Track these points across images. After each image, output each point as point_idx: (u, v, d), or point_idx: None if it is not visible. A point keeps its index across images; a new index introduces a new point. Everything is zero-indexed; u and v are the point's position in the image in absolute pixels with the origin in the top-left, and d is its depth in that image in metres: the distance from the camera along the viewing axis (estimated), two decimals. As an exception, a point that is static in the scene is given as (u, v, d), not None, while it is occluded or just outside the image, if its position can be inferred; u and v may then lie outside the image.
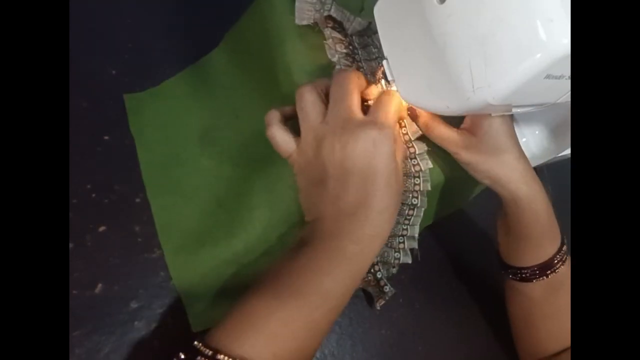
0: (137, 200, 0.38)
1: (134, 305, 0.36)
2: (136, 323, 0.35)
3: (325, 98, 0.33)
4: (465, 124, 0.37)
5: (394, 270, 0.39)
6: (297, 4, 0.35)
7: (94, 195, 0.37)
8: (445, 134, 0.36)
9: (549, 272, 0.38)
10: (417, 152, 0.36)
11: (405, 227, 0.38)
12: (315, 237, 0.31)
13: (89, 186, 0.37)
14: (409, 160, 0.36)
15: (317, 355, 0.41)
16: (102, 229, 0.37)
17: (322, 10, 0.37)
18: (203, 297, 0.37)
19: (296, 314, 0.28)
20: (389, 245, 0.39)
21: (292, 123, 0.34)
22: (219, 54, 0.42)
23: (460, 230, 0.51)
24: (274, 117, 0.34)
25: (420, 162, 0.36)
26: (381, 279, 0.39)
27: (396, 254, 0.38)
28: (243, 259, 0.38)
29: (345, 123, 0.31)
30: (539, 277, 0.39)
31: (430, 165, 0.37)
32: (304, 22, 0.36)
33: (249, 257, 0.38)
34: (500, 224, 0.41)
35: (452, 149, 0.36)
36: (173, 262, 0.37)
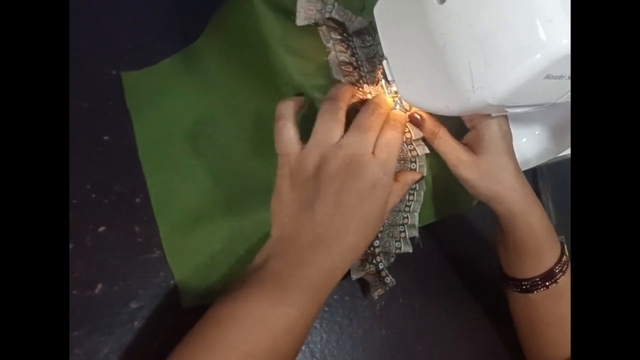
0: (137, 200, 0.38)
1: (134, 305, 0.36)
2: (136, 323, 0.35)
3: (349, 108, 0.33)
4: (466, 138, 0.37)
5: (392, 260, 0.39)
6: (298, 3, 0.35)
7: (94, 195, 0.37)
8: (450, 146, 0.36)
9: (549, 282, 0.38)
10: (413, 138, 0.36)
11: (405, 215, 0.38)
12: (284, 258, 0.31)
13: (89, 186, 0.37)
14: (405, 145, 0.37)
15: (317, 355, 0.41)
16: (102, 229, 0.37)
17: (323, 11, 0.37)
18: (196, 274, 0.37)
19: (260, 346, 0.28)
20: (390, 235, 0.38)
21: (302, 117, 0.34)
22: (207, 37, 0.42)
23: (460, 230, 0.51)
24: (289, 110, 0.32)
25: (416, 148, 0.37)
26: (383, 269, 0.38)
27: (397, 243, 0.38)
28: (239, 239, 0.38)
29: (357, 155, 0.31)
30: (540, 288, 0.39)
31: (427, 150, 0.37)
32: (305, 22, 0.36)
33: (245, 237, 0.38)
34: (499, 238, 0.41)
35: (452, 161, 0.37)
36: (167, 238, 0.37)
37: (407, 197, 0.38)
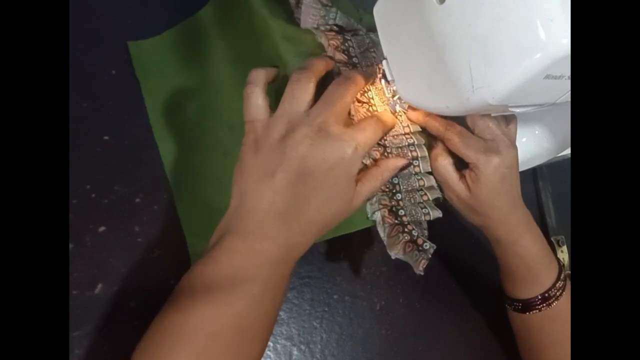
0: (137, 200, 0.38)
1: (133, 305, 0.36)
2: (136, 323, 0.35)
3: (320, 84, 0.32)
4: (466, 172, 0.36)
5: (426, 231, 0.37)
6: (303, 7, 0.36)
7: (94, 195, 0.37)
8: (450, 177, 0.36)
9: (542, 305, 0.38)
10: (411, 131, 0.37)
11: (419, 177, 0.37)
12: (239, 233, 0.30)
13: (89, 186, 0.37)
14: (404, 136, 0.36)
15: (317, 355, 0.41)
16: (102, 229, 0.37)
17: (326, 17, 0.37)
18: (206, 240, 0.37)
19: (224, 325, 0.27)
20: (413, 201, 0.37)
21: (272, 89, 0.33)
22: (209, 13, 0.42)
23: (461, 230, 0.51)
24: (259, 77, 0.32)
25: (413, 136, 0.36)
26: (418, 237, 0.36)
27: (424, 209, 0.37)
28: None
29: (326, 125, 0.30)
30: (533, 310, 0.39)
31: (419, 128, 0.37)
32: (308, 26, 0.37)
33: None
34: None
35: (447, 194, 0.37)
36: (182, 206, 0.38)
37: (409, 154, 0.36)
